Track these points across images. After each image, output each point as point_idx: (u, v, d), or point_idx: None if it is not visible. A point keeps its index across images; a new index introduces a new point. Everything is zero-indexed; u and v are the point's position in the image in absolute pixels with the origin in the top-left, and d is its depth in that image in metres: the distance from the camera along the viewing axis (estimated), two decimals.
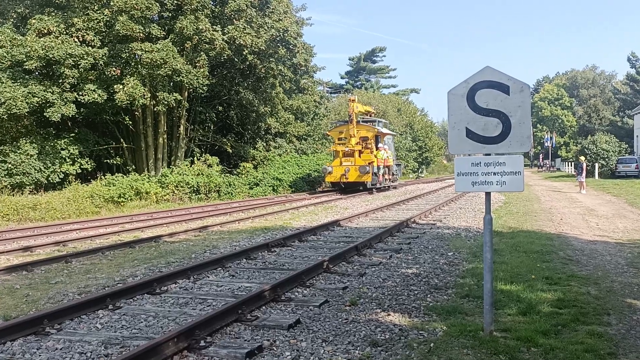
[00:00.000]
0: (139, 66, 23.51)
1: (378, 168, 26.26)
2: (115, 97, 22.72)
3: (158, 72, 23.33)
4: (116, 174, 24.49)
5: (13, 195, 19.84)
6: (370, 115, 30.94)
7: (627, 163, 38.26)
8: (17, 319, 5.61)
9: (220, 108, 33.11)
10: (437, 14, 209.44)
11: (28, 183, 22.03)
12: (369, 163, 25.93)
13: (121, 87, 22.81)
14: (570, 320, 5.32)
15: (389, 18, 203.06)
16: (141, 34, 23.27)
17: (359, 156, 26.49)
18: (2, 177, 21.58)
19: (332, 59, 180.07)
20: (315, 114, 40.70)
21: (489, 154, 5.01)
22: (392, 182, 29.24)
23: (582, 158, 27.79)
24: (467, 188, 5.10)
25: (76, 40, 22.78)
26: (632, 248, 9.53)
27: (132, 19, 22.80)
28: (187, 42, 24.90)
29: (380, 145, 27.15)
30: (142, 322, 5.63)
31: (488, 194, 5.16)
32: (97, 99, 22.89)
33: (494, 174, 4.94)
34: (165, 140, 28.35)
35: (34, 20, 22.75)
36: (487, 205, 5.16)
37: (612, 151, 40.28)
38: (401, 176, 35.88)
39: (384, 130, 29.53)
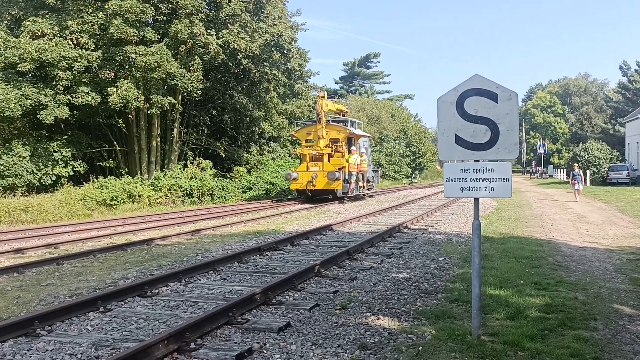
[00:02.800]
0: (133, 69, 23.54)
1: (350, 174, 23.23)
2: (108, 100, 22.69)
3: (152, 76, 23.36)
4: (109, 177, 24.37)
5: (5, 197, 19.75)
6: (343, 115, 27.70)
7: (618, 170, 38.58)
8: (7, 320, 5.61)
9: (214, 112, 33.14)
10: (431, 21, 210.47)
11: (20, 185, 21.92)
12: (340, 168, 23.03)
13: (115, 89, 22.81)
14: (557, 325, 5.39)
15: (384, 24, 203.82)
16: (135, 37, 23.29)
17: (328, 160, 23.56)
18: None
19: (326, 64, 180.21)
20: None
21: (478, 161, 5.09)
22: (367, 189, 25.99)
23: (576, 165, 27.86)
24: (456, 194, 5.17)
25: (70, 42, 22.74)
26: (621, 254, 9.63)
27: (126, 23, 22.82)
28: (182, 45, 24.96)
29: (353, 148, 24.07)
30: (132, 324, 5.65)
31: (477, 200, 5.24)
32: (90, 101, 22.87)
33: (483, 180, 5.02)
34: (159, 144, 28.32)
35: (27, 23, 22.68)
36: (475, 210, 5.24)
37: (604, 158, 40.62)
38: (378, 183, 32.01)
39: (358, 132, 26.11)
